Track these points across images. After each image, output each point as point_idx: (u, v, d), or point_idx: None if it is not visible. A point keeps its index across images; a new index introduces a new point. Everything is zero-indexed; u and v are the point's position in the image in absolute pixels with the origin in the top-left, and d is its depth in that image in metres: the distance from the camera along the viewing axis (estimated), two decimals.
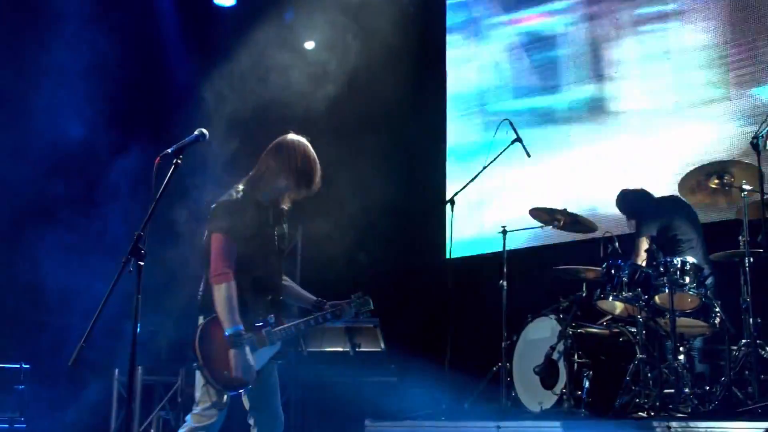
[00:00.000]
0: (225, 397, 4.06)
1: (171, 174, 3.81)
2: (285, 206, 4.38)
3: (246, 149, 8.94)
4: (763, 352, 5.51)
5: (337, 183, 8.84)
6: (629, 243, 6.49)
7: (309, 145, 4.37)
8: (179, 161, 3.84)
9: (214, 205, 4.22)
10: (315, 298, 4.54)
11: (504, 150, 6.80)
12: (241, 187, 4.23)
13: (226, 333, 3.99)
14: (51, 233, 7.46)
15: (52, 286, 7.30)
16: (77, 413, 7.53)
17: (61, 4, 7.91)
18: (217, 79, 8.64)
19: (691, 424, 5.02)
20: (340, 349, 7.27)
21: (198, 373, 4.13)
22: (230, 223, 4.08)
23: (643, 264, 6.00)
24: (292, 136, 4.35)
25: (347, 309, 4.44)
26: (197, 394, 4.15)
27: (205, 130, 4.04)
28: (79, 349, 3.47)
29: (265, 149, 4.36)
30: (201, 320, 4.11)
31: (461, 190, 6.87)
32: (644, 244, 6.18)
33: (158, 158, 3.82)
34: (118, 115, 8.35)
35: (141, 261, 3.59)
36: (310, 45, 9.30)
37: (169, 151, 3.86)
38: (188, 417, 4.15)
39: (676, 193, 6.22)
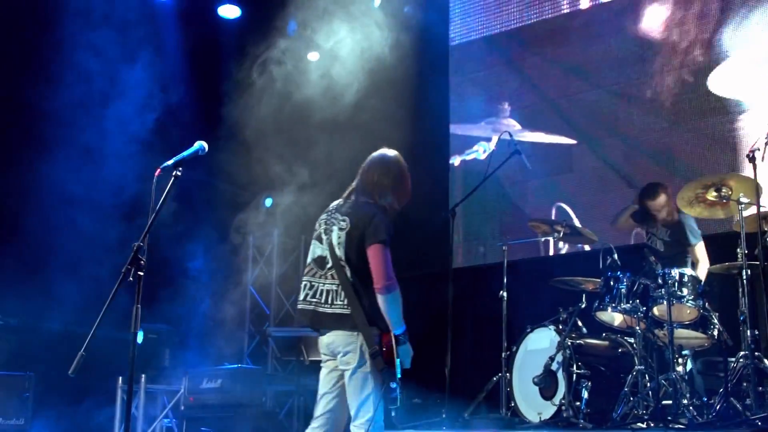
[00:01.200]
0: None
1: (170, 186, 3.86)
2: None
3: (252, 159, 9.08)
4: (760, 364, 5.54)
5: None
6: (628, 254, 6.52)
7: None
8: (179, 173, 3.90)
9: (357, 217, 4.23)
10: None
11: (504, 162, 6.85)
12: (362, 199, 4.32)
13: (398, 331, 4.14)
14: None
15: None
16: (81, 421, 7.59)
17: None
18: (222, 91, 8.74)
19: None
20: None
21: (361, 383, 4.14)
22: (387, 233, 4.19)
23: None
24: (398, 156, 4.46)
25: None
26: (361, 406, 4.14)
27: (204, 143, 4.10)
28: (79, 358, 3.53)
29: (366, 161, 4.43)
30: (376, 331, 4.13)
31: (462, 201, 6.95)
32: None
33: (158, 170, 3.88)
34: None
35: (141, 271, 3.65)
36: (314, 57, 9.36)
37: (170, 163, 3.93)
38: None
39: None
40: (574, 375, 5.94)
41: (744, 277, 5.62)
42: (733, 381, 5.62)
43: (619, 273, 6.05)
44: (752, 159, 5.48)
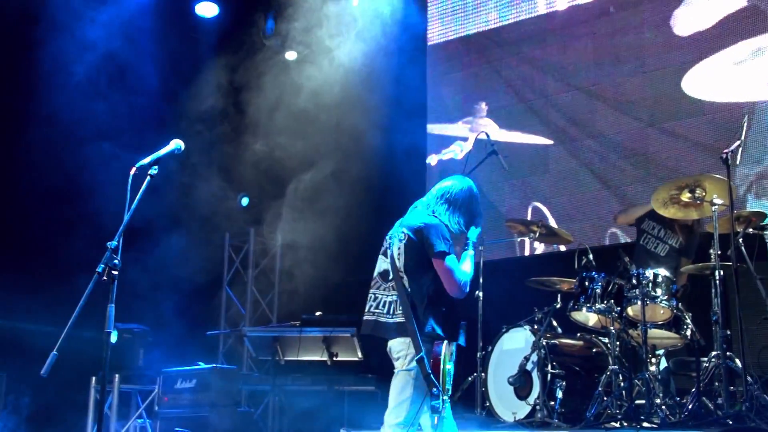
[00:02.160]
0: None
1: (145, 185, 3.84)
2: None
3: (228, 158, 9.04)
4: (732, 364, 5.59)
5: (317, 195, 8.92)
6: (603, 255, 6.56)
7: None
8: (154, 172, 3.88)
9: (413, 229, 4.37)
10: None
11: (481, 162, 6.85)
12: (422, 210, 4.48)
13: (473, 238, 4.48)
14: None
15: None
16: (54, 421, 7.53)
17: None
18: (199, 89, 8.70)
19: None
20: (318, 358, 7.28)
21: (402, 385, 4.27)
22: (445, 242, 4.32)
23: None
24: (470, 182, 4.60)
25: None
26: (397, 406, 4.27)
27: (181, 142, 4.08)
28: (51, 357, 3.49)
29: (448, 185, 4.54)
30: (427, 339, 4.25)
31: None
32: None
33: (133, 168, 3.86)
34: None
35: (115, 271, 3.62)
36: (291, 56, 9.35)
37: (145, 162, 3.90)
38: None
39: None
40: (549, 375, 5.96)
41: (717, 277, 5.68)
42: (705, 380, 5.68)
43: (594, 273, 6.09)
44: (726, 161, 5.53)
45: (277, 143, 8.87)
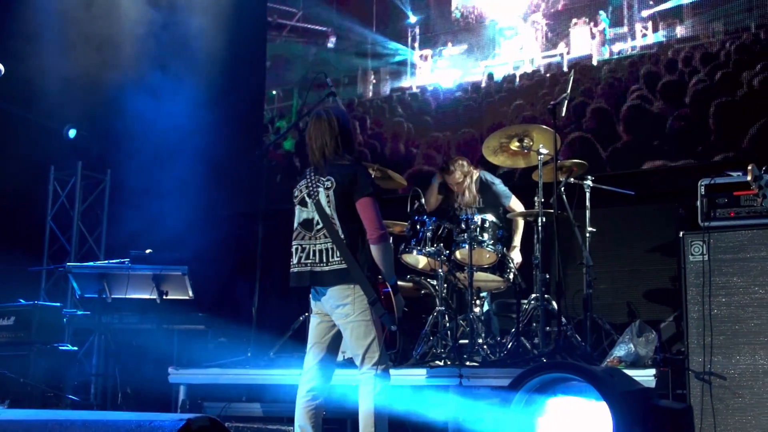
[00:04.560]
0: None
1: None
2: None
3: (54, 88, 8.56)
4: (549, 306, 5.92)
5: (151, 130, 8.64)
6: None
7: None
8: None
9: (341, 175, 4.37)
10: None
11: (320, 101, 6.82)
12: (337, 158, 4.46)
13: (392, 282, 4.52)
14: None
15: None
16: None
17: None
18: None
19: (480, 371, 5.36)
20: (147, 297, 7.12)
21: (363, 331, 4.34)
22: (373, 185, 4.42)
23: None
24: (337, 108, 4.70)
25: None
26: (367, 351, 4.35)
27: (0, 65, 3.84)
28: None
29: (311, 125, 4.55)
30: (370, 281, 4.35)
31: (277, 139, 6.91)
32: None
33: None
34: None
35: None
36: None
37: None
38: (374, 377, 4.33)
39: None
40: None
41: (539, 224, 5.96)
42: (524, 321, 6.00)
43: (425, 217, 6.22)
44: (552, 111, 5.77)
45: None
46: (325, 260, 4.39)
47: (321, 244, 4.41)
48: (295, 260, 4.50)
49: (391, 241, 4.49)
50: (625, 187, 6.44)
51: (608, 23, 7.64)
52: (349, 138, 4.55)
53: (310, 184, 4.47)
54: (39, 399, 6.38)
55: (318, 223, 4.42)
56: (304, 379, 4.52)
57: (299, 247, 4.48)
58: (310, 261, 4.43)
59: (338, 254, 4.34)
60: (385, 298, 4.37)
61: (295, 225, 4.55)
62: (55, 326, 7.02)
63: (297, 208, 4.55)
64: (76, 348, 7.23)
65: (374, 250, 4.37)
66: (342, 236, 4.35)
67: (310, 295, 4.57)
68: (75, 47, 8.36)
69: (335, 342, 4.57)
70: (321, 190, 4.42)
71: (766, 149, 6.62)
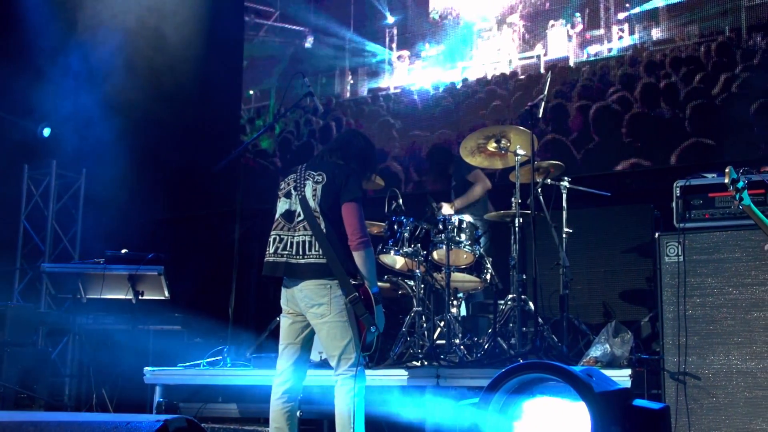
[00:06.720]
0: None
1: None
2: None
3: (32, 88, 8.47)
4: (526, 306, 5.94)
5: (126, 126, 8.58)
6: (412, 200, 6.73)
7: None
8: None
9: (333, 173, 4.39)
10: None
11: (297, 102, 6.80)
12: (336, 159, 4.50)
13: (374, 291, 4.36)
14: None
15: None
16: None
17: None
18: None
19: (457, 371, 5.36)
20: (122, 297, 7.07)
21: (340, 332, 4.30)
22: (361, 191, 4.40)
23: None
24: (366, 136, 4.80)
25: None
26: (343, 353, 4.32)
27: None
28: None
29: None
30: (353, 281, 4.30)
31: (254, 139, 6.88)
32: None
33: None
34: None
35: None
36: None
37: None
38: (348, 380, 4.31)
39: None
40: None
41: (516, 225, 5.98)
42: (501, 322, 6.01)
43: (402, 218, 6.22)
44: (530, 113, 5.79)
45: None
46: (301, 252, 4.33)
47: (300, 236, 4.35)
48: (271, 250, 4.43)
49: (372, 248, 4.41)
50: (601, 188, 6.48)
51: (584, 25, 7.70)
52: (363, 157, 4.63)
53: (298, 178, 4.47)
54: (12, 400, 6.32)
55: (299, 215, 4.38)
56: (278, 381, 4.49)
57: (277, 237, 4.43)
58: (286, 252, 4.37)
59: (317, 248, 4.30)
60: (366, 299, 4.30)
61: (276, 216, 4.50)
62: (29, 327, 6.96)
63: (281, 200, 4.51)
64: (50, 349, 7.16)
65: (356, 257, 4.34)
66: (324, 230, 4.31)
67: (281, 296, 4.51)
68: None
69: (308, 342, 4.55)
70: (309, 183, 4.41)
71: (743, 151, 6.69)
